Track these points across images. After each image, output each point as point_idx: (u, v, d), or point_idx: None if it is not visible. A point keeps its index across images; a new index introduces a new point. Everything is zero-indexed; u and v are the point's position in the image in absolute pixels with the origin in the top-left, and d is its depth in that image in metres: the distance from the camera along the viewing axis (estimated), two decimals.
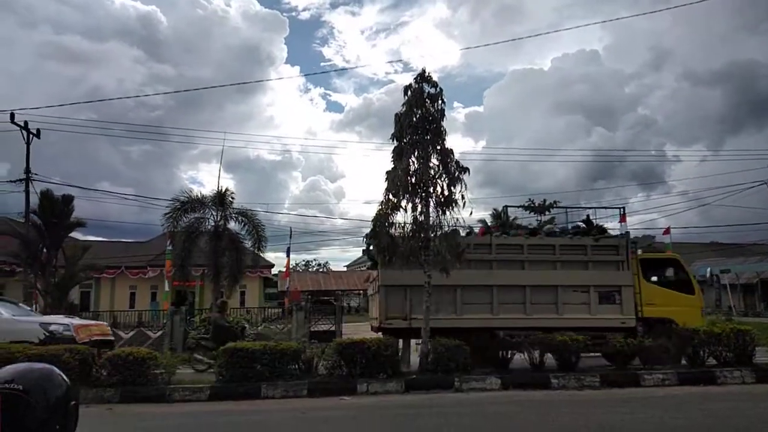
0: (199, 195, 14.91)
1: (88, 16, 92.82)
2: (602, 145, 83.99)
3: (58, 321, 10.25)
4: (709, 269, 35.50)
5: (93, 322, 10.98)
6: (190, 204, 14.57)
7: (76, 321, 10.65)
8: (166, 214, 14.39)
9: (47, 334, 9.43)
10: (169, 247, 16.19)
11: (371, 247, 9.98)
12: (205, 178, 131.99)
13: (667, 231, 24.55)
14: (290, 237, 22.25)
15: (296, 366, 8.41)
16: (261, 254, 15.91)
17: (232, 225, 15.11)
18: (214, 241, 14.58)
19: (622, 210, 21.18)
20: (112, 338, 11.07)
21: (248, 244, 15.11)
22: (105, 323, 11.86)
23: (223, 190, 14.89)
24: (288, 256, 22.61)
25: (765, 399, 7.08)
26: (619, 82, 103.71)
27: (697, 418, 6.14)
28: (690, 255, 41.51)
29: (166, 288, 18.82)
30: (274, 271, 38.56)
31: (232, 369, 8.15)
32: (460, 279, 9.68)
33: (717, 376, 8.33)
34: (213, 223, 14.73)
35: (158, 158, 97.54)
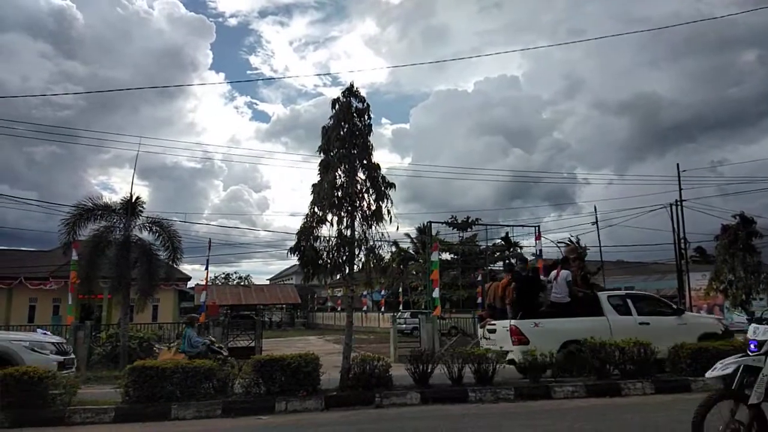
0: (108, 201, 14.01)
1: None
2: (520, 165, 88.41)
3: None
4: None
5: None
6: (96, 211, 13.62)
7: None
8: (63, 220, 13.37)
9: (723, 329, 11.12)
10: (75, 257, 15.05)
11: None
12: (118, 185, 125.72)
13: None
14: (209, 248, 21.36)
15: (210, 385, 8.02)
16: (176, 266, 15.11)
17: (146, 235, 14.30)
18: (123, 252, 13.70)
19: (537, 228, 22.27)
20: None
21: (162, 255, 14.33)
22: None
23: (134, 198, 14.06)
24: (206, 268, 21.70)
25: (663, 409, 7.55)
26: (537, 108, 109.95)
27: (603, 428, 6.46)
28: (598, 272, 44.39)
29: (70, 301, 17.45)
30: (191, 284, 37.06)
31: (139, 388, 7.67)
32: None
33: (621, 388, 8.81)
34: (122, 233, 13.85)
35: (65, 161, 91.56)
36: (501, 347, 10.12)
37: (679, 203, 28.25)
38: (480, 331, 11.96)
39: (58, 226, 13.70)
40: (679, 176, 28.67)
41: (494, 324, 11.01)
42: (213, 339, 11.79)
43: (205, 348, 10.51)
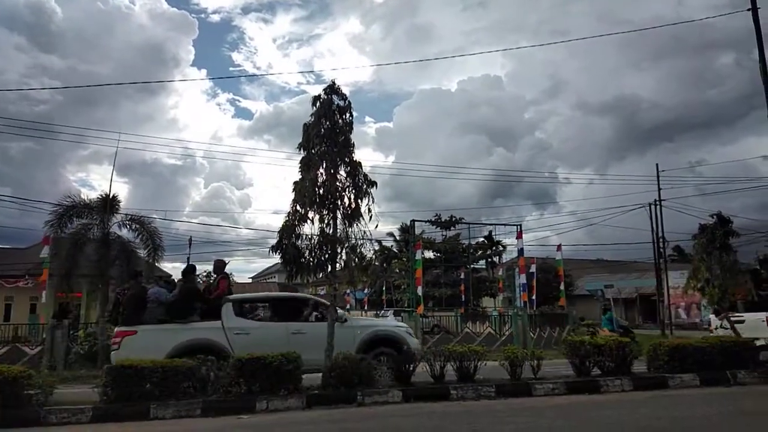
0: (86, 199, 13.81)
1: None
2: (503, 165, 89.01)
3: None
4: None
5: None
6: (76, 209, 13.42)
7: None
8: (48, 221, 13.16)
9: None
10: (44, 254, 14.63)
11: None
12: (96, 181, 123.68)
13: (558, 248, 26.28)
14: (190, 246, 21.17)
15: (190, 384, 7.93)
16: (157, 264, 14.92)
17: (125, 232, 14.11)
18: (102, 250, 13.50)
19: (518, 227, 22.44)
20: None
21: (142, 253, 14.14)
22: None
23: (111, 195, 13.88)
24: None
25: (642, 405, 7.67)
26: (520, 107, 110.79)
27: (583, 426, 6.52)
28: (578, 271, 44.88)
29: (43, 300, 17.07)
30: None
31: (118, 388, 7.55)
32: None
33: (600, 385, 8.92)
34: (101, 230, 13.66)
35: (42, 157, 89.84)
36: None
37: (658, 203, 28.71)
38: (716, 322, 13.60)
39: (42, 226, 13.50)
40: (658, 176, 29.14)
41: (741, 316, 12.72)
42: (626, 322, 15.25)
43: (622, 329, 14.39)
